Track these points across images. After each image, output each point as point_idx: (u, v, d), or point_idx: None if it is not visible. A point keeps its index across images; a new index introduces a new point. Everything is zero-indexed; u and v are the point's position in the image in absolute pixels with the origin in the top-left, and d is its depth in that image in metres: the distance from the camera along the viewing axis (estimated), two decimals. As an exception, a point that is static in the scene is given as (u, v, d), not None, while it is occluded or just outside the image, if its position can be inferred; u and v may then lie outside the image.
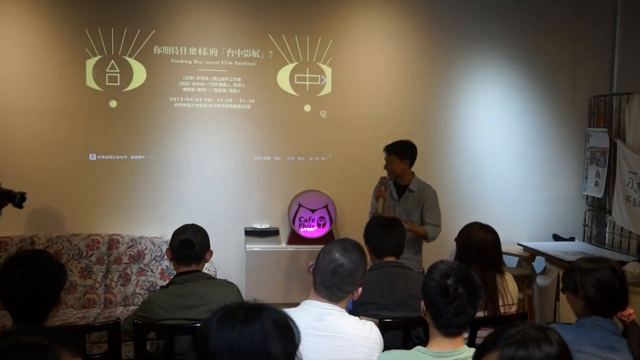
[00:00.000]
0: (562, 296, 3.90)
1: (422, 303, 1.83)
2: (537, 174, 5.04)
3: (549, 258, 4.33)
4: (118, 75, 4.43)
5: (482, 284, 2.42)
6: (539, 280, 4.43)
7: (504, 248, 2.73)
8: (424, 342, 1.85)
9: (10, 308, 1.84)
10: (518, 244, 4.72)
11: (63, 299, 1.80)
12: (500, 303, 2.50)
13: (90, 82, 4.40)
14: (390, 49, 4.79)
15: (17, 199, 3.36)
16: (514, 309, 2.55)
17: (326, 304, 1.89)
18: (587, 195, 5.05)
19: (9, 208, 3.36)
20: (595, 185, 4.87)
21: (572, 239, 4.97)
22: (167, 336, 2.30)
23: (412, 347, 1.84)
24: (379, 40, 4.77)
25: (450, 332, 1.76)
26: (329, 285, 1.89)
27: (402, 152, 3.65)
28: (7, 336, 1.16)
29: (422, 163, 4.85)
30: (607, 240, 4.90)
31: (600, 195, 4.84)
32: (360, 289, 1.96)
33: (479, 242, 2.52)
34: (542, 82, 4.98)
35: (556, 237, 4.99)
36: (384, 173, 3.86)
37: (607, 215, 4.82)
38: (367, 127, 4.76)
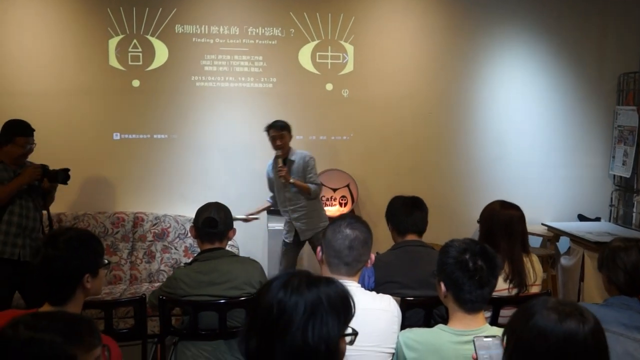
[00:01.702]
0: (587, 277, 3.86)
1: (442, 285, 1.82)
2: (562, 153, 4.95)
3: (574, 238, 4.26)
4: (140, 54, 4.45)
5: (506, 256, 2.41)
6: (563, 261, 4.37)
7: (528, 228, 2.69)
8: (446, 321, 1.84)
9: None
10: (542, 224, 4.66)
11: (85, 284, 1.78)
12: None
13: (113, 62, 4.43)
14: (412, 27, 4.71)
15: (61, 178, 3.42)
16: (537, 289, 2.52)
17: (344, 279, 1.90)
18: (614, 175, 4.95)
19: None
20: (623, 164, 4.77)
21: (597, 219, 4.89)
22: (191, 312, 2.34)
23: (434, 325, 1.84)
24: (402, 18, 4.69)
25: (474, 307, 1.76)
26: (349, 261, 1.90)
27: (289, 128, 4.00)
28: (25, 325, 1.13)
29: (445, 142, 4.83)
30: (634, 221, 4.81)
31: (627, 175, 4.74)
32: (373, 256, 1.98)
33: (504, 219, 2.49)
34: (568, 58, 4.86)
35: (581, 217, 4.92)
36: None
37: (635, 195, 4.73)
38: (390, 105, 4.71)
